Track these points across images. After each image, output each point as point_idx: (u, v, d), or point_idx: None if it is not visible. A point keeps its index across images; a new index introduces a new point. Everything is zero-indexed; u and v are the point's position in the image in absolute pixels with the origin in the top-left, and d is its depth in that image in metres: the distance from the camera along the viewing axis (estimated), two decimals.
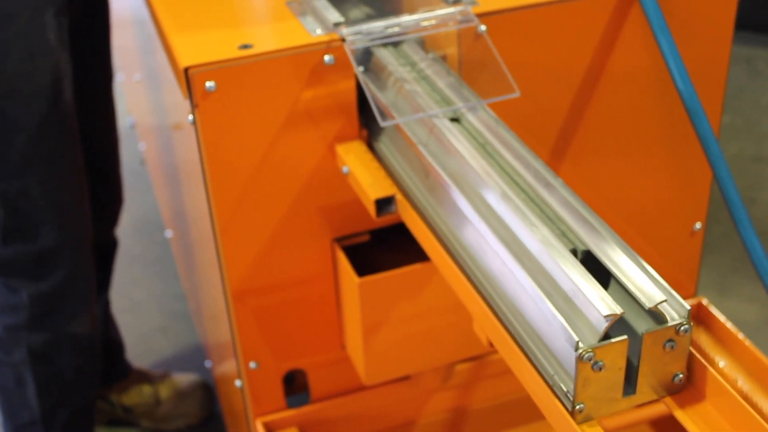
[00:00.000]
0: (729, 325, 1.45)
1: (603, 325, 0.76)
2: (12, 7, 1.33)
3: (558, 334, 0.80)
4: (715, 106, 1.35)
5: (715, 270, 2.32)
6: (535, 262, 0.87)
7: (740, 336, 1.42)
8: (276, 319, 1.30)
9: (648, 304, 0.78)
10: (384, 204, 1.11)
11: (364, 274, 1.21)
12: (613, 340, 0.77)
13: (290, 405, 1.38)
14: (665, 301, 0.79)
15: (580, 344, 0.76)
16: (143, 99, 2.12)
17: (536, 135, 1.29)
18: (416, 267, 1.22)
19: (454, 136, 1.04)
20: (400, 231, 1.18)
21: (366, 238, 1.29)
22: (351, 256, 1.25)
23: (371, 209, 1.11)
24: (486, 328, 0.95)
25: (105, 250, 1.87)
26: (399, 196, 1.11)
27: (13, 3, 1.33)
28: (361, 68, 1.17)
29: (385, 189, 1.12)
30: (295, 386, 1.46)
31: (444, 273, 1.03)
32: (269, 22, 1.21)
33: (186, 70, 1.09)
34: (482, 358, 1.42)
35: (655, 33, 1.22)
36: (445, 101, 1.11)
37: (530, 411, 0.95)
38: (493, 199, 0.95)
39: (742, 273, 2.29)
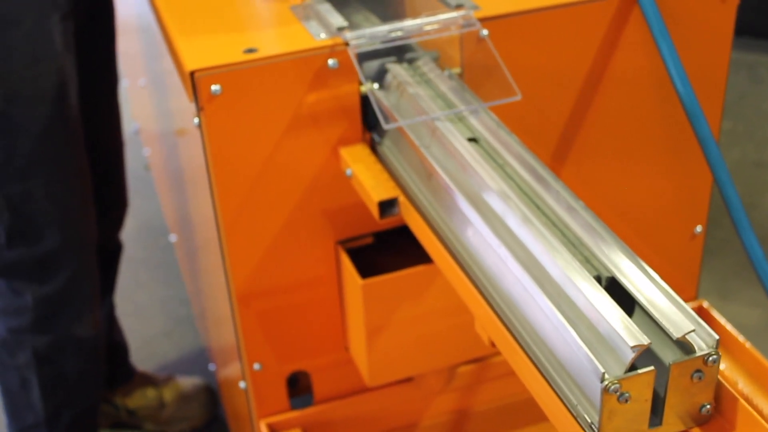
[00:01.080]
0: (730, 327, 1.46)
1: (629, 356, 0.74)
2: (17, 12, 1.34)
3: (582, 364, 0.78)
4: (715, 110, 1.36)
5: (717, 274, 2.32)
6: (557, 288, 0.85)
7: (741, 339, 1.43)
8: (280, 321, 1.31)
9: (676, 334, 0.75)
10: (387, 206, 1.12)
11: (368, 276, 1.22)
12: (639, 371, 0.74)
13: (294, 406, 1.39)
14: (693, 330, 0.76)
15: (606, 375, 0.74)
16: (148, 104, 2.13)
17: (537, 138, 1.30)
18: (419, 269, 1.23)
19: (472, 155, 1.02)
20: (404, 233, 1.19)
21: (369, 240, 1.30)
22: (354, 259, 1.26)
23: (374, 211, 1.12)
24: (489, 328, 0.96)
25: (110, 254, 1.88)
26: (402, 198, 1.12)
27: (19, 7, 1.34)
28: (376, 85, 1.18)
29: (389, 191, 1.13)
30: (298, 388, 1.47)
31: (447, 275, 1.04)
32: (274, 26, 1.23)
33: (192, 73, 1.11)
34: (485, 360, 1.43)
35: (656, 37, 1.23)
36: (448, 105, 1.12)
37: (533, 413, 0.96)
38: (514, 222, 0.93)
39: (743, 277, 2.30)
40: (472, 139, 1.06)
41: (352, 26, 1.16)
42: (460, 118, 1.10)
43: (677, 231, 1.47)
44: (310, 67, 1.14)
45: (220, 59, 1.12)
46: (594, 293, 0.80)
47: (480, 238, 0.96)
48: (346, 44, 1.14)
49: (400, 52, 1.20)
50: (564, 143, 1.33)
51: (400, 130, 1.12)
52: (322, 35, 1.16)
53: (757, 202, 2.61)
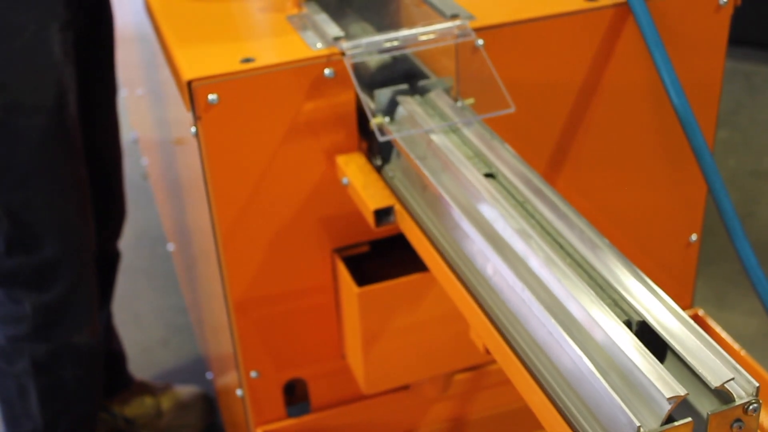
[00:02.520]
0: (726, 336, 1.47)
1: (666, 408, 0.71)
2: (17, 21, 1.35)
3: (616, 416, 0.74)
4: (709, 119, 1.37)
5: (714, 283, 2.33)
6: (585, 334, 0.81)
7: (737, 347, 1.44)
8: (277, 329, 1.32)
9: (714, 383, 0.72)
10: (383, 214, 1.13)
11: (364, 285, 1.23)
12: (676, 423, 0.71)
13: (291, 414, 1.40)
14: (732, 379, 0.72)
15: (642, 430, 0.70)
16: (146, 114, 2.14)
17: (533, 147, 1.30)
18: (415, 277, 1.24)
19: (489, 191, 0.99)
20: (400, 242, 1.20)
21: (366, 248, 1.30)
22: (351, 267, 1.26)
23: (370, 219, 1.13)
24: (483, 336, 0.96)
25: (108, 263, 1.88)
26: (398, 207, 1.13)
27: (18, 17, 1.35)
28: (387, 119, 1.16)
29: (384, 199, 1.13)
30: (295, 395, 1.47)
31: (442, 283, 1.05)
32: (271, 36, 1.24)
33: (189, 83, 1.11)
34: (481, 368, 1.43)
35: (650, 47, 1.24)
36: (463, 141, 1.10)
37: (530, 421, 0.96)
38: (537, 264, 0.89)
39: (741, 286, 2.30)
40: (489, 175, 1.04)
41: (349, 36, 1.17)
42: (476, 153, 1.08)
43: (672, 239, 1.48)
44: (306, 77, 1.15)
45: (218, 69, 1.13)
46: (625, 339, 0.77)
47: (503, 281, 0.92)
48: (342, 54, 1.15)
49: (411, 78, 1.20)
50: (559, 153, 1.33)
51: (413, 166, 1.10)
52: (319, 45, 1.17)
53: (753, 210, 2.61)
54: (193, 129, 1.15)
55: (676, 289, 1.52)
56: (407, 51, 1.19)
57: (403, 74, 1.20)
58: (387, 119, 1.16)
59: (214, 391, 2.02)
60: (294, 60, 1.15)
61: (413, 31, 1.17)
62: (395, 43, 1.17)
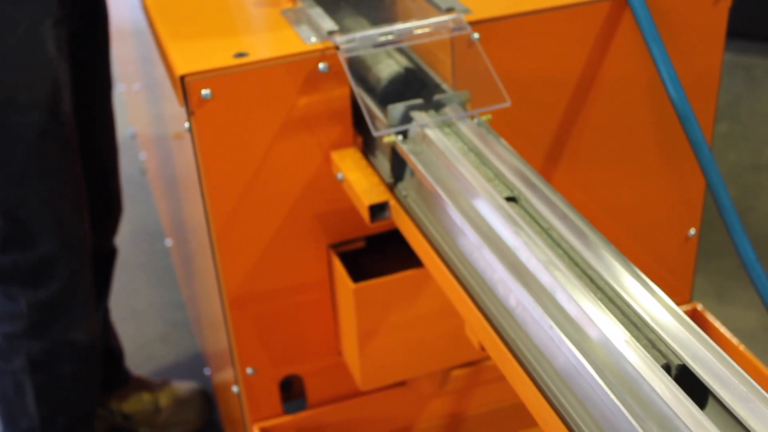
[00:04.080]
0: (724, 330, 1.46)
1: None
2: (10, 18, 1.34)
3: None
4: (707, 113, 1.36)
5: (714, 277, 2.32)
6: (620, 377, 0.76)
7: (735, 342, 1.43)
8: (273, 325, 1.31)
9: None
10: (378, 210, 1.12)
11: (360, 280, 1.22)
12: None
13: (287, 411, 1.39)
14: None
15: None
16: (143, 109, 2.13)
17: (530, 142, 1.30)
18: (411, 273, 1.23)
19: (512, 218, 0.93)
20: (396, 237, 1.19)
21: (361, 244, 1.29)
22: (347, 263, 1.26)
23: (365, 215, 1.12)
24: (478, 332, 0.96)
25: (104, 259, 1.88)
26: (393, 202, 1.12)
27: (12, 14, 1.34)
28: (400, 138, 1.10)
29: (379, 195, 1.13)
30: (292, 392, 1.47)
31: (437, 279, 1.04)
32: (265, 30, 1.23)
33: (182, 78, 1.11)
34: (478, 364, 1.42)
35: (647, 40, 1.23)
36: (482, 162, 1.04)
37: (527, 417, 0.96)
38: (564, 298, 0.83)
39: (740, 280, 2.28)
40: (511, 198, 0.97)
41: (343, 30, 1.16)
42: (496, 175, 1.01)
43: (671, 234, 1.47)
44: (300, 72, 1.14)
45: (211, 63, 1.12)
46: (664, 385, 0.72)
47: (527, 314, 0.87)
48: (337, 48, 1.14)
49: (424, 91, 1.15)
50: (556, 146, 1.32)
51: (429, 187, 1.05)
52: (313, 39, 1.16)
53: (753, 204, 2.61)
54: (186, 124, 1.14)
55: (675, 283, 1.52)
56: (403, 45, 1.18)
57: (417, 87, 1.15)
58: (400, 138, 1.10)
59: (212, 386, 2.02)
60: (288, 54, 1.14)
61: (408, 24, 1.16)
62: (390, 37, 1.16)
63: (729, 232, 1.24)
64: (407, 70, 1.16)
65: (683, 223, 1.46)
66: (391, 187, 1.12)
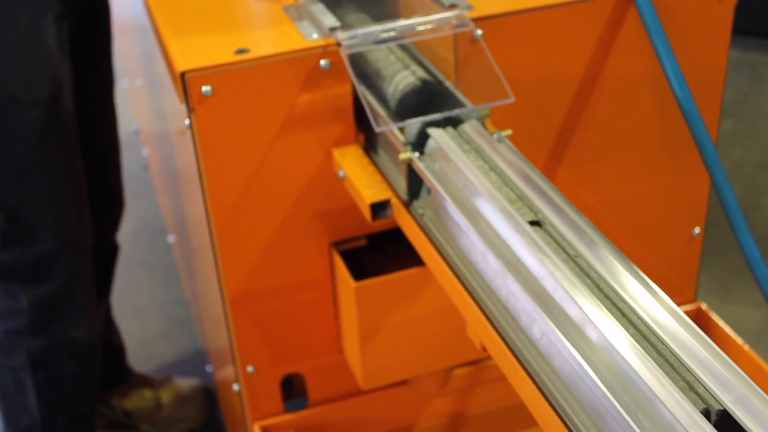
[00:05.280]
0: (728, 330, 1.45)
1: None
2: (10, 14, 1.34)
3: None
4: (713, 111, 1.35)
5: (719, 275, 2.31)
6: (657, 424, 0.70)
7: (740, 341, 1.42)
8: (274, 324, 1.31)
9: None
10: (379, 208, 1.11)
11: (361, 279, 1.21)
12: None
13: (288, 409, 1.38)
14: None
15: None
16: (145, 105, 2.13)
17: (534, 139, 1.29)
18: (413, 271, 1.22)
19: (537, 244, 0.87)
20: (398, 235, 1.18)
21: (363, 242, 1.29)
22: (348, 261, 1.25)
23: (367, 213, 1.11)
24: (480, 333, 0.95)
25: (106, 256, 1.87)
26: (394, 200, 1.11)
27: (12, 9, 1.33)
28: (416, 154, 1.06)
29: (381, 193, 1.12)
30: (293, 390, 1.46)
31: (439, 278, 1.03)
32: (266, 26, 1.22)
33: (182, 74, 1.10)
34: (480, 363, 1.42)
35: (652, 37, 1.22)
36: (504, 182, 0.99)
37: (528, 417, 0.95)
38: (596, 335, 0.77)
39: (745, 278, 2.27)
40: (535, 223, 0.92)
41: (345, 26, 1.15)
42: (519, 197, 0.96)
43: (675, 232, 1.46)
44: (302, 68, 1.13)
45: (211, 60, 1.11)
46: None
47: (553, 346, 0.82)
48: (339, 45, 1.13)
49: (442, 104, 1.12)
50: (561, 144, 1.31)
51: (439, 197, 1.01)
52: (315, 36, 1.15)
53: (759, 202, 2.59)
54: (186, 121, 1.13)
55: (679, 282, 1.51)
56: (405, 41, 1.17)
57: (434, 101, 1.11)
58: (416, 154, 1.06)
59: (214, 383, 2.01)
60: (289, 51, 1.13)
61: (411, 21, 1.15)
62: (392, 34, 1.15)
63: (734, 232, 1.23)
64: (424, 82, 1.12)
65: (688, 221, 1.45)
66: (407, 205, 1.09)
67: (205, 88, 1.10)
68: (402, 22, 1.15)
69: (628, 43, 1.26)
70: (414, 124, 1.06)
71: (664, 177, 1.40)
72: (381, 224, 1.16)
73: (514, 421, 1.46)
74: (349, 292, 1.22)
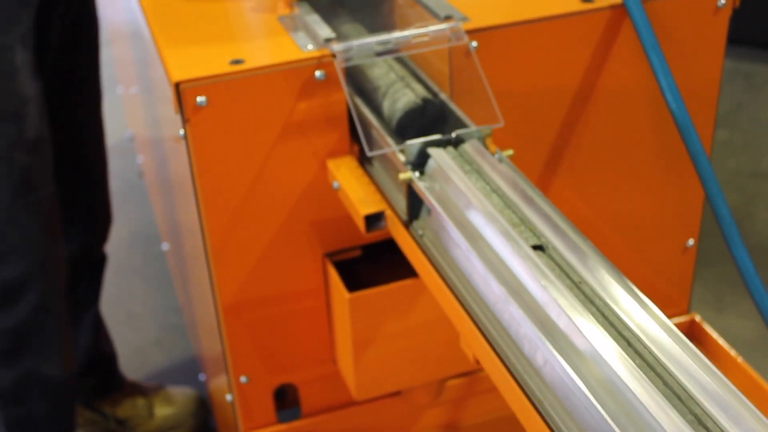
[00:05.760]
0: (722, 342, 1.45)
1: None
2: None
3: None
4: (707, 123, 1.35)
5: (713, 285, 2.31)
6: None
7: (733, 353, 1.42)
8: (267, 334, 1.30)
9: None
10: (374, 220, 1.11)
11: (355, 290, 1.21)
12: None
13: (281, 419, 1.38)
14: None
15: None
16: (140, 112, 2.12)
17: (529, 150, 1.29)
18: (407, 283, 1.22)
19: (540, 269, 0.85)
20: (393, 246, 1.18)
21: (357, 253, 1.29)
22: (342, 272, 1.25)
23: (361, 225, 1.11)
24: (474, 345, 0.95)
25: (94, 266, 1.86)
26: (389, 212, 1.11)
27: None
28: (416, 174, 1.04)
29: (375, 204, 1.12)
30: (286, 401, 1.46)
31: (432, 290, 1.03)
32: (261, 37, 1.22)
33: (177, 84, 1.10)
34: (474, 374, 1.41)
35: (646, 50, 1.22)
36: (506, 204, 0.98)
37: (521, 428, 0.95)
38: (605, 370, 0.75)
39: (739, 288, 2.27)
40: (538, 247, 0.90)
41: (340, 38, 1.15)
42: (522, 220, 0.95)
43: (669, 244, 1.46)
44: (297, 79, 1.13)
45: (206, 70, 1.11)
46: None
47: (556, 375, 0.80)
48: (334, 56, 1.13)
49: (442, 124, 1.12)
50: (555, 155, 1.32)
51: (440, 219, 0.99)
52: (310, 47, 1.15)
53: (753, 212, 2.60)
54: (181, 131, 1.13)
55: (673, 294, 1.51)
56: (401, 54, 1.17)
57: (434, 120, 1.11)
58: (417, 174, 1.05)
59: (207, 392, 2.01)
60: (284, 62, 1.13)
61: (406, 32, 1.15)
62: (388, 46, 1.15)
63: (727, 244, 1.24)
64: (425, 101, 1.11)
65: (682, 233, 1.45)
66: (407, 225, 1.07)
67: (200, 99, 1.10)
68: (397, 34, 1.15)
69: (622, 55, 1.26)
70: (414, 144, 1.05)
71: (659, 189, 1.40)
72: (375, 235, 1.16)
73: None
74: (343, 303, 1.22)
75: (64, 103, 1.49)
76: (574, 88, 1.26)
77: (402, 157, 1.06)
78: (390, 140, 1.09)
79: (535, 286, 0.84)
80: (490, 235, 0.93)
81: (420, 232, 1.05)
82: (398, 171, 1.07)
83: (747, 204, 2.62)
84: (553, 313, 0.82)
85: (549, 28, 1.22)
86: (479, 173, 1.02)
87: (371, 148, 1.11)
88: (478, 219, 0.95)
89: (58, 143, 1.53)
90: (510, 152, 1.06)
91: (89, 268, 1.79)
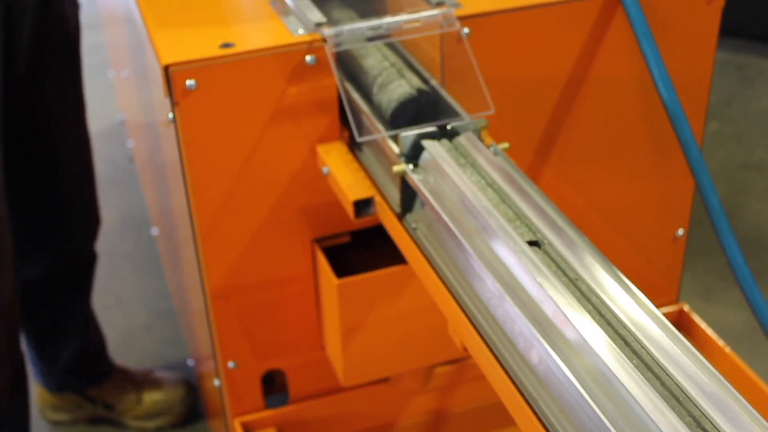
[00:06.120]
0: (710, 332, 1.45)
1: None
2: None
3: None
4: (698, 113, 1.35)
5: (702, 275, 2.31)
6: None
7: (721, 343, 1.43)
8: (255, 319, 1.30)
9: None
10: (363, 205, 1.11)
11: (344, 276, 1.21)
12: None
13: (269, 405, 1.38)
14: None
15: None
16: (131, 96, 2.11)
17: (520, 138, 1.28)
18: (395, 269, 1.22)
19: (536, 266, 0.84)
20: (382, 233, 1.18)
21: (346, 239, 1.28)
22: (331, 258, 1.24)
23: (350, 211, 1.11)
24: (461, 332, 0.94)
25: (86, 265, 1.85)
26: (378, 198, 1.10)
27: None
28: (410, 166, 1.03)
29: (364, 190, 1.11)
30: (274, 386, 1.45)
31: (420, 276, 1.03)
32: (252, 21, 1.21)
33: (167, 67, 1.09)
34: (462, 361, 1.41)
35: (639, 39, 1.21)
36: (501, 198, 0.96)
37: (509, 415, 0.95)
38: (595, 360, 0.74)
39: (728, 279, 2.27)
40: (534, 243, 0.89)
41: (331, 22, 1.15)
42: (517, 215, 0.93)
43: (659, 234, 1.46)
44: (287, 63, 1.13)
45: (196, 53, 1.11)
46: None
47: (551, 372, 0.79)
48: (324, 40, 1.13)
49: (436, 115, 1.10)
50: (546, 143, 1.31)
51: (444, 225, 0.97)
52: (300, 31, 1.14)
53: (743, 203, 2.60)
54: (170, 115, 1.13)
55: (662, 284, 1.51)
56: (392, 40, 1.17)
57: (429, 111, 1.09)
58: (410, 166, 1.03)
59: (196, 377, 2.01)
60: (274, 46, 1.12)
61: (397, 18, 1.15)
62: (379, 31, 1.14)
63: (717, 234, 1.24)
64: (420, 92, 1.10)
65: (672, 223, 1.45)
66: (400, 218, 1.06)
67: (189, 82, 1.10)
68: (388, 19, 1.14)
69: (614, 44, 1.26)
70: (408, 136, 1.03)
71: (649, 178, 1.40)
72: (364, 221, 1.15)
73: (495, 419, 1.46)
74: (332, 289, 1.22)
75: (48, 117, 1.47)
76: (565, 76, 1.26)
77: (395, 149, 1.04)
78: (380, 126, 1.08)
79: (531, 282, 0.83)
80: (486, 230, 0.91)
81: (413, 225, 1.04)
82: (391, 162, 1.06)
83: (737, 195, 2.63)
84: (549, 310, 0.80)
85: (541, 16, 1.21)
86: (474, 166, 1.00)
87: (361, 134, 1.11)
88: (473, 214, 0.94)
89: (37, 151, 1.54)
90: (505, 145, 1.05)
91: (81, 268, 1.78)
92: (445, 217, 0.95)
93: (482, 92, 1.10)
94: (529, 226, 0.91)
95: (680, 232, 1.46)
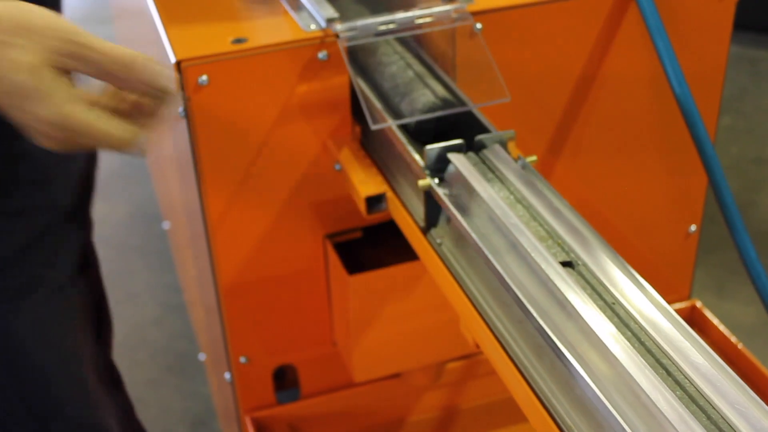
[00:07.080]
0: (723, 328, 1.45)
1: None
2: None
3: None
4: (711, 109, 1.34)
5: (714, 271, 2.31)
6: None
7: (734, 340, 1.42)
8: (267, 315, 1.30)
9: None
10: (375, 201, 1.11)
11: (356, 271, 1.21)
12: None
13: (280, 401, 1.38)
14: None
15: None
16: None
17: (532, 135, 1.28)
18: (407, 265, 1.22)
19: (570, 287, 0.81)
20: (394, 228, 1.18)
21: (358, 234, 1.28)
22: (343, 253, 1.24)
23: (362, 206, 1.11)
24: (473, 329, 0.94)
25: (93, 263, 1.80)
26: (390, 194, 1.10)
27: None
28: (435, 181, 1.00)
29: (376, 186, 1.11)
30: (285, 382, 1.46)
31: (432, 272, 1.03)
32: (264, 16, 1.21)
33: (179, 63, 1.09)
34: (473, 357, 1.41)
35: (652, 34, 1.21)
36: (532, 215, 0.93)
37: (520, 411, 0.95)
38: (637, 391, 0.71)
39: (741, 274, 2.26)
40: (567, 263, 0.86)
41: (343, 18, 1.14)
42: (549, 233, 0.90)
43: (672, 230, 1.46)
44: (299, 59, 1.13)
45: (208, 49, 1.10)
46: None
47: (587, 400, 0.75)
48: (337, 36, 1.12)
49: (462, 127, 1.07)
50: (558, 139, 1.31)
51: (471, 242, 0.93)
52: (313, 27, 1.14)
53: (756, 199, 2.59)
54: (182, 110, 1.13)
55: (675, 280, 1.50)
56: (405, 34, 1.16)
57: (455, 123, 1.06)
58: (436, 180, 1.00)
59: (206, 372, 2.01)
60: (286, 41, 1.12)
61: (410, 13, 1.15)
62: (391, 26, 1.14)
63: (730, 231, 1.23)
64: (444, 101, 1.07)
65: (684, 219, 1.45)
66: (424, 232, 1.03)
67: (202, 78, 1.09)
68: (401, 15, 1.14)
69: (627, 39, 1.25)
70: (433, 149, 1.00)
71: (662, 174, 1.39)
72: (376, 217, 1.15)
73: (506, 414, 1.46)
74: (343, 284, 1.22)
75: None
76: (578, 71, 1.26)
77: (421, 162, 1.01)
78: (389, 118, 1.08)
79: (566, 306, 0.80)
80: (516, 249, 0.88)
81: (438, 240, 1.01)
82: (415, 176, 1.03)
83: (750, 190, 2.62)
84: (579, 329, 0.78)
85: (554, 11, 1.21)
86: (502, 181, 0.97)
87: (375, 123, 1.09)
88: (502, 231, 0.90)
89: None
90: (533, 158, 1.01)
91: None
92: (474, 236, 0.91)
93: (498, 80, 1.09)
94: (562, 246, 0.88)
95: (693, 228, 1.46)
